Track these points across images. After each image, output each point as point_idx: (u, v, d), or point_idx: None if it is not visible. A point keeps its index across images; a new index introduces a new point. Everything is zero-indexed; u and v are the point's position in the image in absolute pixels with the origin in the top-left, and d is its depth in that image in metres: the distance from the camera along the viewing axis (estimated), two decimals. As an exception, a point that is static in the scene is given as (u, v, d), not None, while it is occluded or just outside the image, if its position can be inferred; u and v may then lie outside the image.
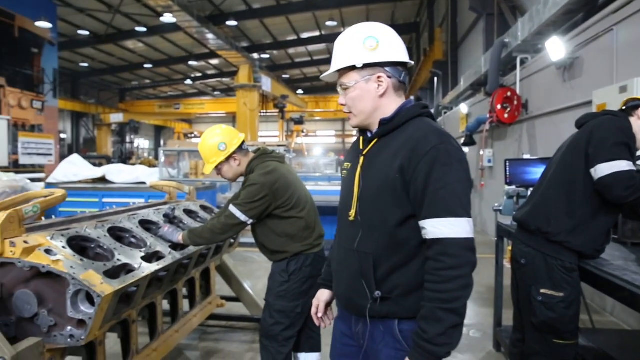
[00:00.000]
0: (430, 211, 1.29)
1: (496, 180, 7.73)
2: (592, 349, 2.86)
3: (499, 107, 6.75)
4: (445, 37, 15.50)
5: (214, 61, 24.26)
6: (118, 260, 2.09)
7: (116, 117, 25.63)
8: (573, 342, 2.15)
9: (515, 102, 6.62)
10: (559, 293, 2.08)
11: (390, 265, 1.36)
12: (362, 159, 1.46)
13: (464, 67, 13.39)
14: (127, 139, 27.07)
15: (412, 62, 1.46)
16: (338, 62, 1.43)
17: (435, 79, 17.04)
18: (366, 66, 1.39)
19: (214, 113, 27.47)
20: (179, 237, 2.54)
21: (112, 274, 1.99)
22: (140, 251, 2.30)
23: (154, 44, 21.43)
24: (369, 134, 1.49)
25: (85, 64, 24.08)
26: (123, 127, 26.27)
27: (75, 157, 8.47)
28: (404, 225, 1.35)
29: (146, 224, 2.67)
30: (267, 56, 23.42)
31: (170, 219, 2.85)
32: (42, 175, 9.37)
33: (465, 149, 8.94)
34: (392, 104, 1.43)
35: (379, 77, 1.40)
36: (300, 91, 29.89)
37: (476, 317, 4.13)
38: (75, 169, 7.81)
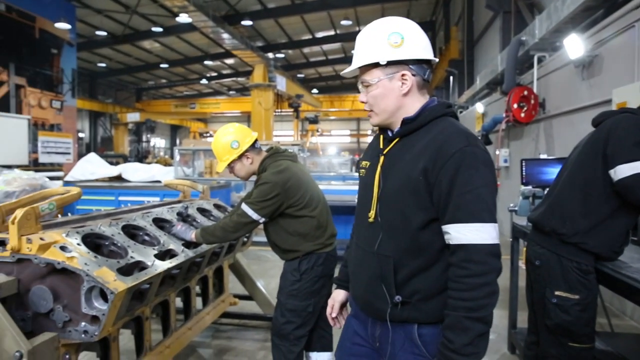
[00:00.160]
0: (454, 215, 1.25)
1: (512, 181, 7.63)
2: (610, 353, 2.81)
3: (515, 106, 6.65)
4: (461, 35, 15.35)
5: (229, 61, 24.40)
6: (131, 257, 2.11)
7: (133, 117, 25.96)
8: (589, 345, 2.10)
9: (532, 101, 6.52)
10: (574, 295, 2.04)
11: (411, 269, 1.33)
12: (382, 158, 1.41)
13: (480, 65, 13.24)
14: (144, 138, 27.42)
15: (437, 60, 1.41)
16: (360, 58, 1.37)
17: (451, 78, 16.90)
18: (390, 63, 1.33)
19: (229, 112, 27.66)
20: (191, 235, 2.55)
21: (126, 271, 2.01)
22: (154, 249, 2.32)
23: (170, 44, 21.64)
24: (389, 133, 1.44)
25: (103, 64, 24.43)
26: (139, 126, 26.61)
27: (92, 156, 8.60)
28: (427, 228, 1.31)
29: (160, 222, 2.69)
30: (282, 55, 23.47)
31: (184, 217, 2.87)
32: (60, 173, 9.53)
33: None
34: (415, 103, 1.38)
35: (403, 75, 1.35)
36: (315, 90, 29.91)
37: (491, 318, 4.07)
38: (92, 167, 7.93)
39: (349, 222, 1.63)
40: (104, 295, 1.83)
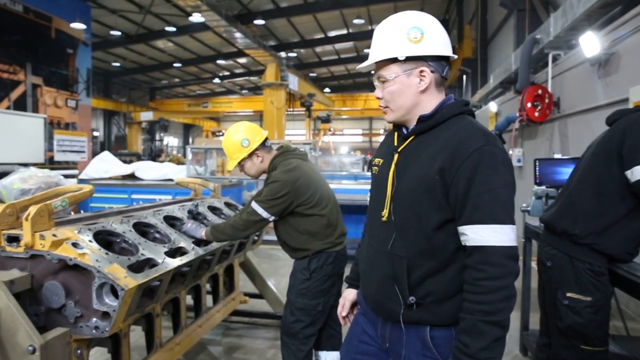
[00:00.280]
0: (472, 216, 1.22)
1: (525, 181, 7.53)
2: (626, 357, 2.75)
3: (529, 105, 6.57)
4: (475, 34, 15.21)
5: (242, 60, 24.50)
6: (142, 254, 2.13)
7: (146, 116, 26.22)
8: (602, 349, 2.06)
9: (547, 100, 6.43)
10: (587, 297, 2.00)
11: (425, 270, 1.30)
12: (396, 156, 1.38)
13: (493, 64, 13.11)
14: (157, 137, 27.66)
15: (456, 57, 1.38)
16: (378, 53, 1.34)
17: (464, 77, 16.76)
18: (408, 59, 1.30)
19: (241, 111, 27.82)
20: (202, 232, 2.57)
21: (136, 268, 2.03)
22: (164, 246, 2.33)
23: (183, 44, 21.81)
24: (404, 130, 1.41)
25: (117, 64, 24.71)
26: (153, 125, 26.86)
27: (105, 154, 8.70)
28: (442, 229, 1.28)
29: (171, 220, 2.71)
30: (294, 55, 23.50)
31: (194, 215, 2.89)
32: (75, 171, 9.66)
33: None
34: (432, 100, 1.35)
35: (421, 72, 1.31)
36: (327, 89, 29.91)
37: (502, 319, 4.03)
38: (106, 165, 8.02)
39: (359, 222, 1.62)
40: (114, 292, 1.85)
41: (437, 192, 1.26)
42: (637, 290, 1.95)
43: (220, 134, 32.87)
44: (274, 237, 2.71)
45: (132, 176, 7.88)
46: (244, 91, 33.72)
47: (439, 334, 1.32)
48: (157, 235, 2.48)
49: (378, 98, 1.39)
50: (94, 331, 1.86)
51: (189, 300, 2.97)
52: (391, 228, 1.35)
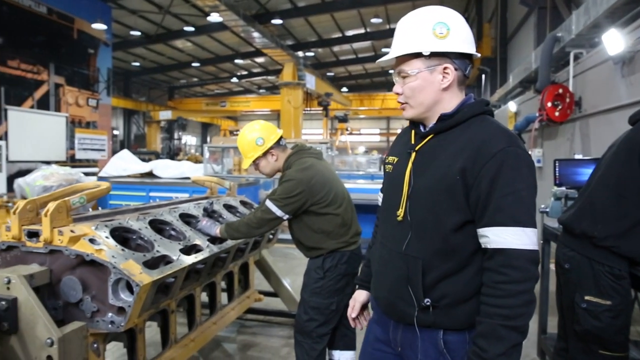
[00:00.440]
0: (494, 218, 1.19)
1: (545, 182, 7.40)
2: (646, 362, 2.68)
3: (549, 104, 6.44)
4: (494, 32, 15.01)
5: (260, 59, 24.61)
6: (157, 251, 2.15)
7: (165, 115, 26.53)
8: (622, 354, 2.00)
9: (568, 100, 6.30)
10: (606, 301, 1.95)
11: (440, 272, 1.27)
12: (413, 154, 1.35)
13: (513, 63, 12.92)
14: (175, 136, 27.98)
15: (479, 55, 1.35)
16: (401, 46, 1.30)
17: (483, 76, 16.55)
18: (433, 55, 1.27)
19: (259, 110, 27.93)
20: (216, 230, 2.59)
21: (152, 264, 2.06)
22: (179, 244, 2.36)
23: (201, 43, 22.01)
24: (422, 128, 1.38)
25: (137, 63, 25.06)
26: (171, 124, 27.17)
27: (124, 153, 8.84)
28: (460, 230, 1.25)
29: (186, 218, 2.74)
30: (311, 54, 23.50)
31: (209, 212, 2.91)
32: (95, 169, 9.84)
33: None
34: (454, 99, 1.32)
35: (445, 69, 1.28)
36: (344, 89, 29.84)
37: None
38: (125, 164, 8.14)
39: (375, 221, 1.60)
40: (130, 288, 1.88)
41: (458, 192, 1.23)
42: (659, 295, 1.90)
43: (238, 133, 33.08)
44: (289, 236, 2.72)
45: (150, 174, 7.98)
46: (261, 90, 33.88)
47: (452, 339, 1.29)
48: (172, 232, 2.51)
49: (397, 94, 1.36)
50: (109, 326, 1.89)
51: (204, 297, 2.99)
52: (406, 228, 1.32)
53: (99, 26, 13.29)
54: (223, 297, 3.26)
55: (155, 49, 22.73)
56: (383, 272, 1.42)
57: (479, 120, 1.30)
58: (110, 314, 1.89)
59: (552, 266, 2.95)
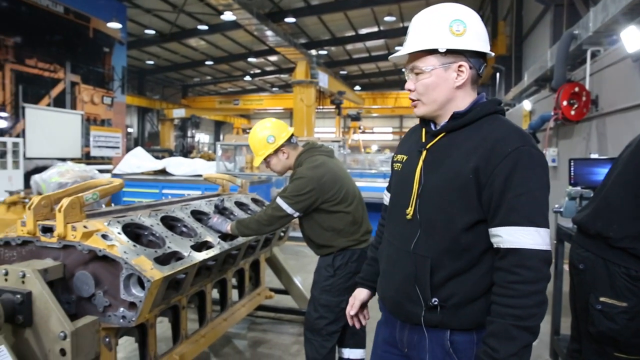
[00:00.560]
0: (507, 218, 1.18)
1: (560, 182, 7.29)
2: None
3: (565, 103, 6.34)
4: (509, 30, 14.84)
5: (273, 58, 24.68)
6: (169, 247, 2.17)
7: (178, 113, 26.76)
8: (637, 357, 1.97)
9: (584, 98, 6.20)
10: (622, 303, 1.90)
11: (449, 271, 1.26)
12: (424, 153, 1.34)
13: (528, 62, 12.76)
14: (189, 134, 28.23)
15: (493, 54, 1.34)
16: (417, 42, 1.29)
17: (498, 74, 16.37)
18: (448, 52, 1.26)
19: (271, 109, 28.02)
20: (227, 227, 2.60)
21: (163, 260, 2.07)
22: (190, 240, 2.37)
23: (215, 42, 22.14)
24: (432, 127, 1.37)
25: (151, 62, 25.31)
26: (185, 122, 27.43)
27: (138, 150, 8.94)
28: (471, 230, 1.24)
29: (198, 215, 2.76)
30: (324, 52, 23.50)
31: (220, 209, 2.93)
32: (109, 166, 9.97)
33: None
34: (466, 97, 1.31)
35: (460, 66, 1.28)
36: (357, 87, 29.77)
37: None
38: (138, 161, 8.23)
39: (379, 220, 1.58)
40: (141, 283, 1.90)
41: (470, 191, 1.23)
42: (676, 297, 1.85)
43: (250, 131, 33.21)
44: (300, 234, 2.72)
45: (163, 172, 8.06)
46: (274, 89, 33.96)
47: (459, 339, 1.28)
48: (183, 229, 2.53)
49: (409, 90, 1.35)
50: (121, 320, 1.91)
51: (214, 294, 3.01)
52: (415, 226, 1.31)
53: (114, 25, 13.45)
54: (234, 294, 3.28)
55: (169, 48, 22.93)
56: (390, 272, 1.41)
57: (492, 120, 1.29)
58: (121, 309, 1.91)
59: (566, 267, 2.91)
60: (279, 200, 2.50)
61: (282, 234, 3.48)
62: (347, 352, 2.76)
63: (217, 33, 20.09)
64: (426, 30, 1.29)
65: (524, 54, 13.78)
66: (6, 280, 1.80)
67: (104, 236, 1.96)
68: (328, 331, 2.55)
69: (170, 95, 31.90)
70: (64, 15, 12.10)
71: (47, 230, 2.01)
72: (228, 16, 14.10)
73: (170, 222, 2.50)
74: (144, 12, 17.68)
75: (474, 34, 1.27)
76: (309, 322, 2.60)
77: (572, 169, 3.30)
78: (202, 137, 35.22)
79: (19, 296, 1.75)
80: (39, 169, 7.50)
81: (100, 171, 6.64)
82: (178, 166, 8.01)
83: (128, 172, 7.99)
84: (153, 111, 29.98)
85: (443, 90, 1.29)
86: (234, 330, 3.67)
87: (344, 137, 18.37)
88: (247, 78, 29.74)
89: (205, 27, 18.91)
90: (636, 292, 1.91)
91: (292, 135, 2.70)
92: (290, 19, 17.39)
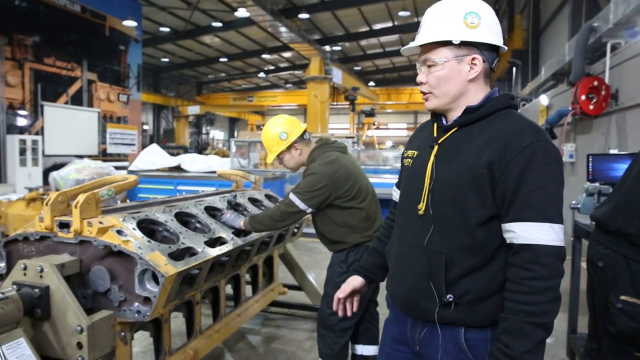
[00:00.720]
0: (522, 213, 1.16)
1: (578, 177, 7.17)
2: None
3: (583, 97, 6.23)
4: (526, 24, 14.61)
5: (287, 54, 24.70)
6: (183, 243, 2.19)
7: (193, 109, 26.96)
8: (658, 356, 1.93)
9: (603, 92, 6.07)
10: (643, 302, 1.87)
11: (464, 267, 1.24)
12: (436, 147, 1.32)
13: (545, 56, 12.54)
14: (203, 130, 28.40)
15: (506, 48, 1.32)
16: (430, 34, 1.28)
17: (514, 69, 16.13)
18: (462, 44, 1.25)
19: (285, 105, 28.08)
20: (240, 222, 2.61)
21: (177, 256, 2.09)
22: (204, 236, 2.39)
23: (229, 39, 22.22)
24: (444, 121, 1.36)
25: (166, 59, 25.52)
26: (199, 118, 27.58)
27: (153, 147, 9.03)
28: (485, 225, 1.23)
29: (211, 210, 2.77)
30: (338, 48, 23.41)
31: (232, 205, 2.94)
32: (126, 163, 10.10)
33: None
34: (479, 91, 1.30)
35: (473, 59, 1.26)
36: (371, 83, 29.63)
37: (549, 321, 3.87)
38: (154, 158, 8.32)
39: (387, 215, 1.56)
40: (155, 278, 1.91)
41: (484, 186, 1.21)
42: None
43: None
44: (314, 230, 2.72)
45: (178, 168, 8.14)
46: (288, 85, 33.99)
47: (473, 336, 1.27)
48: (197, 225, 2.55)
49: (421, 83, 1.34)
50: (136, 315, 1.93)
51: (228, 289, 3.03)
52: (428, 222, 1.30)
53: (130, 23, 13.60)
54: (247, 290, 3.29)
55: (184, 45, 23.09)
56: (401, 268, 1.39)
57: (505, 114, 1.27)
58: (136, 304, 1.93)
59: (583, 264, 2.86)
60: (292, 196, 2.49)
61: (295, 230, 3.48)
62: (360, 349, 2.76)
63: (231, 30, 20.16)
64: (440, 22, 1.27)
65: (541, 48, 13.56)
66: (25, 274, 1.83)
67: (119, 232, 1.98)
68: (341, 327, 2.55)
69: (185, 92, 32.15)
70: (81, 14, 12.27)
71: (64, 225, 2.04)
72: (242, 13, 14.14)
73: (184, 218, 2.52)
74: (159, 9, 17.82)
75: (489, 27, 1.26)
76: (322, 318, 2.60)
77: (590, 164, 3.23)
78: (217, 134, 35.44)
79: (37, 290, 1.78)
80: (57, 166, 7.63)
81: (117, 168, 6.72)
82: (193, 163, 8.07)
83: (143, 168, 8.08)
84: (168, 108, 30.25)
85: (456, 83, 1.28)
86: (247, 325, 3.69)
87: (358, 133, 18.27)
88: (261, 75, 29.81)
89: (219, 24, 18.99)
90: (657, 290, 1.87)
91: (305, 131, 2.69)
92: (303, 15, 17.35)
